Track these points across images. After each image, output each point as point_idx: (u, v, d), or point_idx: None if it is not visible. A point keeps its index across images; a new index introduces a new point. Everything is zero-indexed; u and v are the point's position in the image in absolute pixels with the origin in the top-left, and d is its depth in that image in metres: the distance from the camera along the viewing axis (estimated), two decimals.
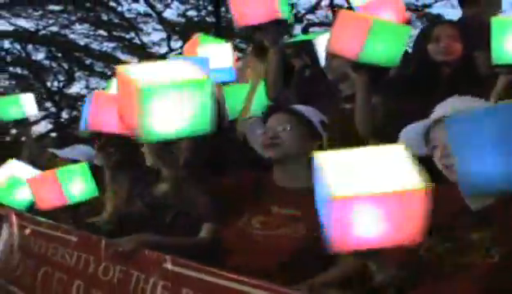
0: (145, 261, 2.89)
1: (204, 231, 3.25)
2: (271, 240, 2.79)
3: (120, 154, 3.95)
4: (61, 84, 29.15)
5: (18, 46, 27.31)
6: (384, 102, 3.40)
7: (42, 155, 5.19)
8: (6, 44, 27.25)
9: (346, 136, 3.24)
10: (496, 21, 3.27)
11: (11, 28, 26.29)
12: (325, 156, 1.93)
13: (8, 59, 27.89)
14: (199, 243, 3.20)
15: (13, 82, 29.70)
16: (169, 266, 2.73)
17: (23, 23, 26.18)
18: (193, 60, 4.23)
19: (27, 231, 4.06)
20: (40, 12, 25.35)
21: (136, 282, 2.86)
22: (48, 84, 29.01)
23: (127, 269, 2.95)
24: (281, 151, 2.96)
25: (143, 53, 25.51)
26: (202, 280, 2.57)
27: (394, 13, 3.94)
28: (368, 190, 1.80)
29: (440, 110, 2.44)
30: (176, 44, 24.61)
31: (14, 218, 4.25)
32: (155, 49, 25.54)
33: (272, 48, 3.91)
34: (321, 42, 4.24)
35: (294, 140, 2.99)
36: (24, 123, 5.56)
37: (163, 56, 23.92)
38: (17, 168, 4.66)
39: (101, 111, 3.76)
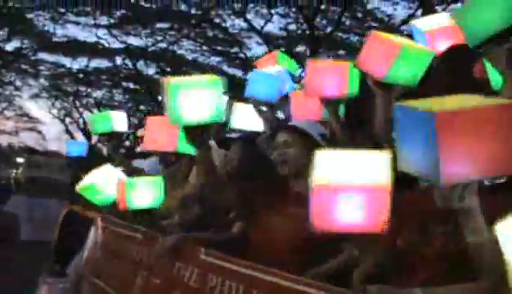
0: (186, 253, 3.39)
1: (235, 228, 3.75)
2: (287, 235, 3.22)
3: (187, 168, 4.44)
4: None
5: (129, 63, 28.36)
6: None
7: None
8: (119, 61, 28.46)
9: None
10: None
11: (122, 45, 27.47)
12: (321, 153, 2.26)
13: (121, 75, 28.96)
14: (229, 238, 3.69)
15: (127, 97, 31.01)
16: (202, 256, 3.21)
17: (133, 40, 27.14)
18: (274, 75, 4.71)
19: (107, 231, 4.64)
20: (149, 30, 26.35)
21: (178, 270, 3.36)
22: (159, 98, 29.97)
23: (172, 260, 3.45)
24: (290, 167, 3.41)
25: (247, 66, 25.99)
26: (227, 268, 2.99)
27: (457, 40, 4.21)
28: (343, 181, 2.16)
29: None
30: None
31: (99, 221, 4.86)
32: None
33: None
34: None
35: (297, 154, 3.41)
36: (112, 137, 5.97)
37: None
38: (108, 173, 5.06)
39: (153, 133, 4.32)
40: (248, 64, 26.25)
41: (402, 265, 2.60)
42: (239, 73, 27.30)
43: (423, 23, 4.40)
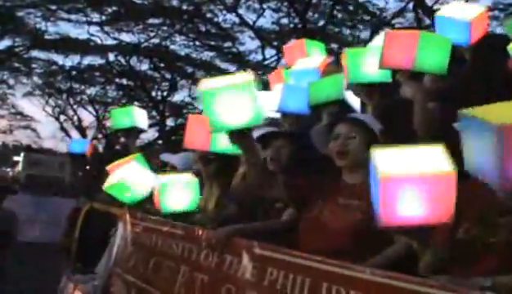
0: (238, 247, 3.36)
1: (286, 214, 3.75)
2: (337, 224, 3.22)
3: (217, 163, 4.42)
4: (165, 93, 30.03)
5: (122, 59, 28.31)
6: (442, 107, 3.60)
7: (151, 160, 5.60)
8: (111, 57, 28.37)
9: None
10: None
11: (114, 42, 27.46)
12: (379, 149, 2.31)
13: (114, 71, 28.90)
14: (281, 227, 3.70)
15: (120, 93, 30.94)
16: (257, 250, 3.19)
17: (125, 37, 27.15)
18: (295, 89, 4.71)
19: (139, 228, 4.60)
20: (141, 26, 26.32)
21: (229, 265, 3.34)
22: (153, 94, 29.95)
23: (222, 254, 3.43)
24: (350, 159, 3.37)
25: (240, 61, 26.00)
26: (284, 261, 2.99)
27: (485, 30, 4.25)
28: (408, 171, 2.18)
29: None
30: (271, 52, 24.88)
31: (128, 217, 4.82)
32: (252, 56, 25.93)
33: None
34: None
35: (359, 147, 3.37)
36: (131, 132, 6.04)
37: (259, 63, 24.42)
38: (135, 170, 5.04)
39: (194, 131, 4.28)
40: (240, 59, 26.33)
41: (466, 256, 2.61)
42: (232, 67, 27.29)
43: (453, 12, 4.41)
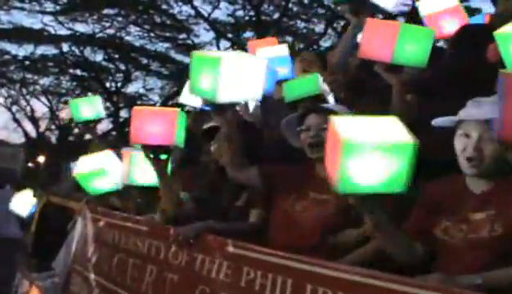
0: (209, 245, 3.22)
1: (253, 216, 3.62)
2: (308, 220, 3.13)
3: (184, 152, 4.27)
4: (119, 84, 29.77)
5: (76, 50, 27.91)
6: (419, 100, 3.58)
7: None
8: (65, 48, 27.94)
9: None
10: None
11: (68, 32, 27.03)
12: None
13: (68, 62, 28.54)
14: (249, 229, 3.57)
15: (74, 84, 30.53)
16: (231, 249, 3.05)
17: (80, 27, 26.79)
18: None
19: (100, 223, 4.45)
20: (96, 16, 25.98)
21: (201, 264, 3.20)
22: (107, 85, 29.67)
23: (192, 253, 3.29)
24: (324, 151, 3.22)
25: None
26: (260, 260, 2.86)
27: (458, 21, 4.19)
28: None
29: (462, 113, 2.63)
30: (226, 44, 24.91)
31: (87, 212, 4.67)
32: (207, 48, 25.87)
33: None
34: None
35: None
36: (91, 123, 5.83)
37: None
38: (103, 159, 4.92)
39: (141, 125, 3.79)
40: (195, 51, 26.21)
41: (446, 255, 2.57)
42: (187, 59, 27.13)
43: (425, 5, 4.38)
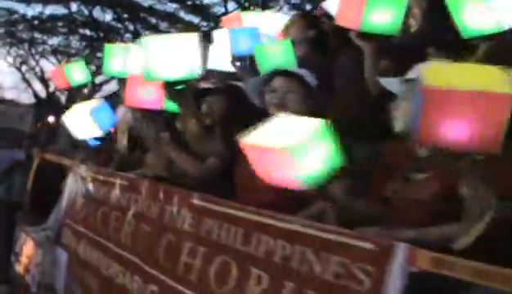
0: (177, 198, 3.42)
1: (207, 162, 3.92)
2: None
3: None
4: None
5: (85, 10, 27.75)
6: (394, 65, 3.47)
7: None
8: (74, 7, 27.82)
9: None
10: None
11: None
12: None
13: (77, 22, 28.40)
14: (203, 170, 3.92)
15: (83, 44, 30.48)
16: (196, 201, 3.24)
17: None
18: (244, 31, 4.60)
19: (88, 179, 4.68)
20: None
21: (169, 215, 3.42)
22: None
23: (163, 205, 3.51)
24: (290, 113, 3.21)
25: (204, 13, 25.76)
26: (219, 212, 3.04)
27: None
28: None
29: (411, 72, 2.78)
30: (234, 5, 24.64)
31: (77, 169, 4.91)
32: (216, 9, 25.68)
33: None
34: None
35: (297, 102, 3.42)
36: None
37: (223, 15, 24.21)
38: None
39: (135, 90, 4.21)
40: (204, 11, 26.06)
41: (395, 214, 2.71)
42: (196, 19, 27.03)
43: None
